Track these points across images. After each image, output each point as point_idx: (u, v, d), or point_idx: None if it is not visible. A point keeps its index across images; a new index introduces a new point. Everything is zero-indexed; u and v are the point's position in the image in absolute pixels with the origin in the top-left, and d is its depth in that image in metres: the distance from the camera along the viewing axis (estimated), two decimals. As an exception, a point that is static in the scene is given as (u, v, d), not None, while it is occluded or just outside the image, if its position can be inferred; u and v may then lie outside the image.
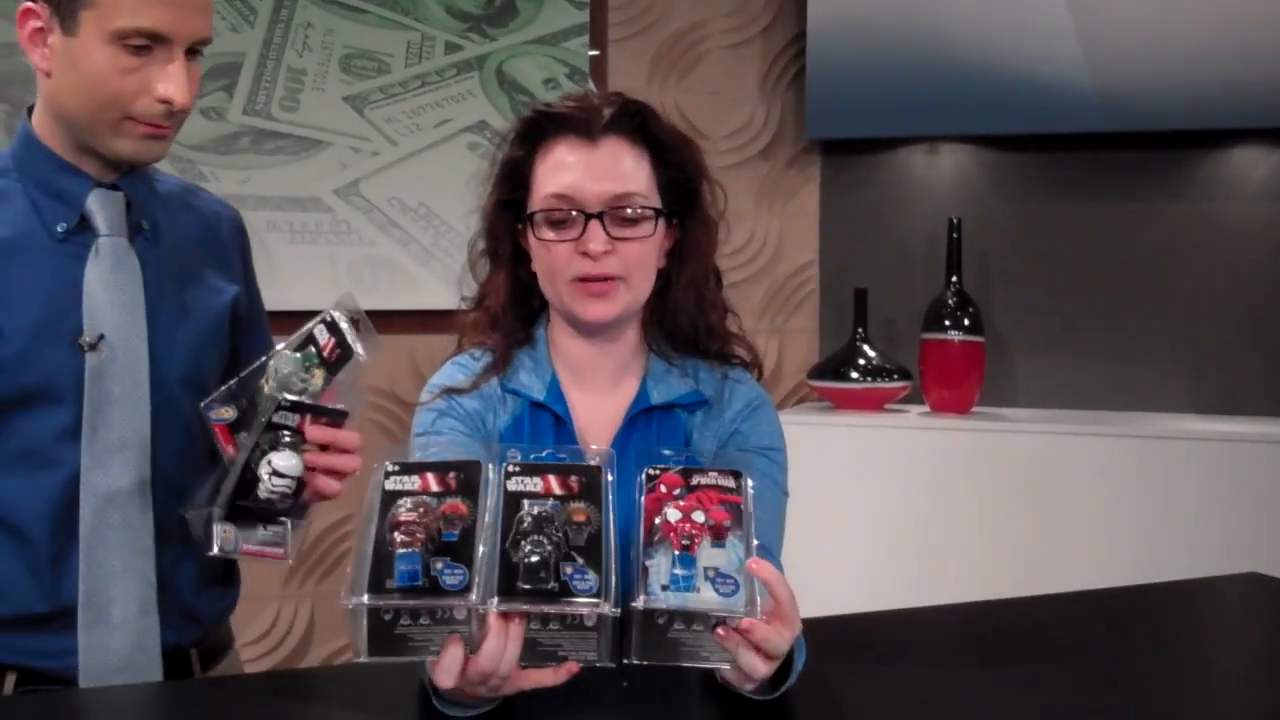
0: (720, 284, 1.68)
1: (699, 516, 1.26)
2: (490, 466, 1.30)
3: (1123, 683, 1.51)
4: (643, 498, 1.29)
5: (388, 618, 1.19)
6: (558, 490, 1.27)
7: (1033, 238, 3.50)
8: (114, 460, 1.55)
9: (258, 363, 1.50)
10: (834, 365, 3.46)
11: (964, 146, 3.55)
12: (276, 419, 1.44)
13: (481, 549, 1.22)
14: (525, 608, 1.20)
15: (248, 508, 1.45)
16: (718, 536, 1.25)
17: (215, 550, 1.47)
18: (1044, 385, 3.50)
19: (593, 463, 1.32)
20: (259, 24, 3.20)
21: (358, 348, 1.49)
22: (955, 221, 3.37)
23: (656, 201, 1.57)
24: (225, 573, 1.74)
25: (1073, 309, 3.46)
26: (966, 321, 3.32)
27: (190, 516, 1.50)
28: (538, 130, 1.59)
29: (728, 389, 1.63)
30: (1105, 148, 3.38)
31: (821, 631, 1.40)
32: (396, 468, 1.29)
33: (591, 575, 1.20)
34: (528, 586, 1.20)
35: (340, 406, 1.48)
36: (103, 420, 1.54)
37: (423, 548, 1.21)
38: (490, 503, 1.26)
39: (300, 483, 1.46)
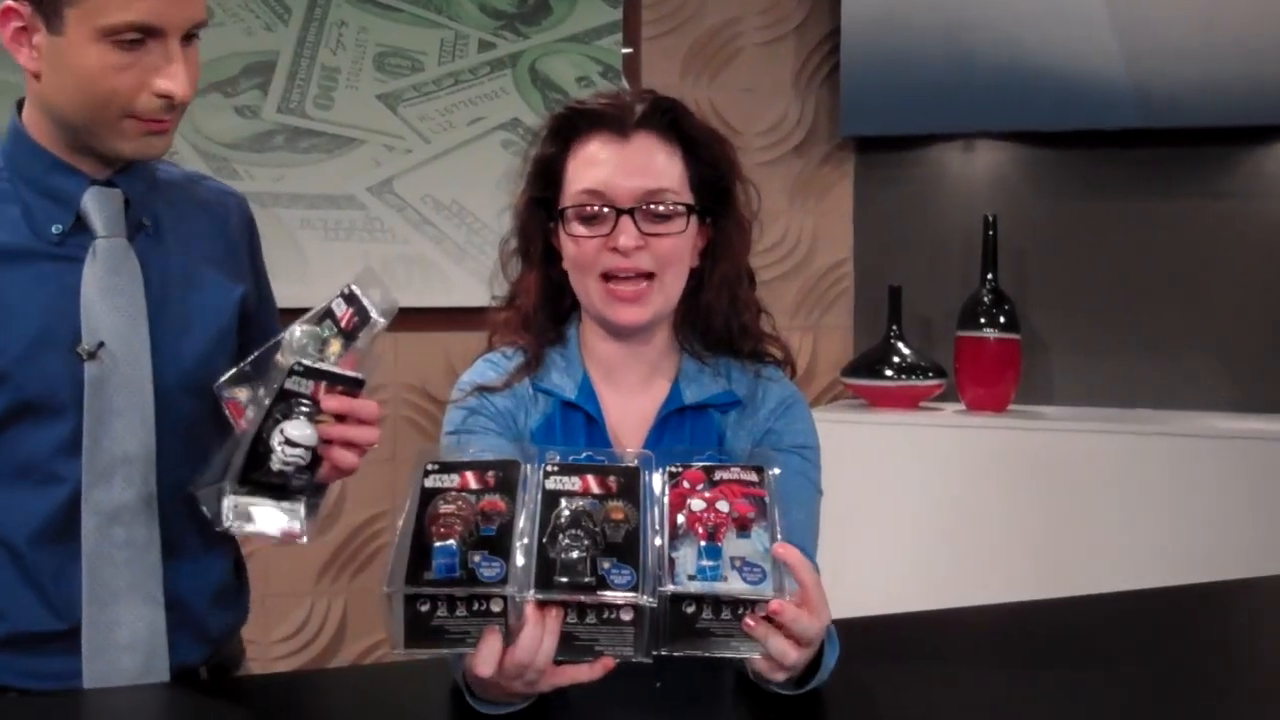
0: (753, 284, 1.67)
1: (723, 506, 1.26)
2: (528, 466, 1.30)
3: (1164, 687, 1.50)
4: (666, 494, 1.29)
5: (424, 609, 1.19)
6: (596, 489, 1.27)
7: (1069, 235, 3.47)
8: (117, 474, 1.48)
9: (273, 340, 1.43)
10: (868, 363, 3.44)
11: (999, 143, 3.53)
12: (289, 385, 1.37)
13: (519, 543, 1.22)
14: (562, 598, 1.20)
15: (261, 482, 1.37)
16: (743, 527, 1.25)
17: (226, 526, 1.38)
18: (1080, 383, 3.46)
19: (630, 464, 1.31)
20: (293, 23, 3.20)
21: (374, 313, 1.43)
22: (991, 219, 3.34)
23: (689, 198, 1.57)
24: (235, 586, 1.68)
25: (1110, 306, 3.43)
26: (1002, 319, 3.30)
27: (200, 494, 1.41)
28: (569, 127, 1.59)
29: (760, 388, 1.62)
30: (1142, 144, 3.35)
31: (854, 632, 1.40)
32: (436, 466, 1.29)
33: (629, 570, 1.20)
34: (565, 579, 1.20)
35: (357, 375, 1.41)
36: (104, 432, 1.47)
37: (460, 540, 1.21)
38: (528, 500, 1.26)
39: (315, 455, 1.38)
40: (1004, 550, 3.09)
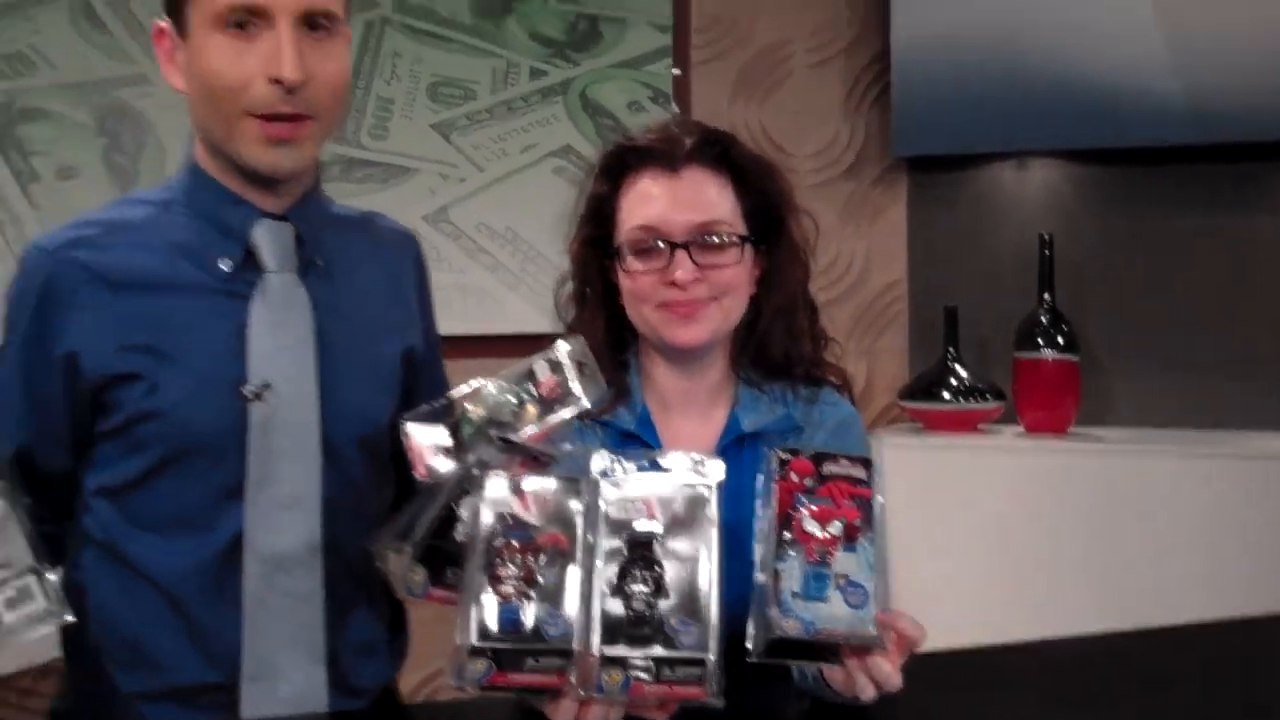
0: (815, 313, 1.68)
1: (835, 529, 1.25)
2: (587, 483, 1.27)
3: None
4: (775, 483, 1.27)
5: (490, 661, 1.18)
6: (659, 516, 1.24)
7: (1125, 252, 3.43)
8: (281, 519, 1.43)
9: (469, 387, 1.38)
10: (925, 385, 3.41)
11: (1053, 161, 3.50)
12: (484, 456, 1.32)
13: (581, 591, 1.21)
14: (628, 654, 1.19)
15: (442, 549, 1.31)
16: (849, 539, 1.25)
17: (403, 591, 1.33)
18: (1142, 404, 3.42)
19: (703, 481, 1.28)
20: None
21: (578, 389, 1.38)
22: (1047, 237, 3.31)
23: (742, 228, 1.58)
24: (391, 638, 1.62)
25: (1170, 325, 3.39)
26: (1060, 339, 3.26)
27: (377, 550, 1.35)
28: (620, 164, 1.61)
29: (817, 411, 1.63)
30: (1198, 160, 3.31)
31: (915, 665, 1.36)
32: (498, 481, 1.26)
33: (694, 627, 1.19)
34: (630, 640, 1.19)
35: (550, 451, 1.35)
36: (269, 476, 1.42)
37: (521, 596, 1.19)
38: (590, 533, 1.24)
39: None
40: (1066, 575, 3.04)
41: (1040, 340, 3.27)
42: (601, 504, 1.25)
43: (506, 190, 3.38)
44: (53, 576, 1.26)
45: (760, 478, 1.30)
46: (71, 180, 2.97)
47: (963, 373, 3.37)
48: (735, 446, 1.58)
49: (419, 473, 1.36)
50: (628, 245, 1.57)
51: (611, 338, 1.64)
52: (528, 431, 1.36)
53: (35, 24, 2.95)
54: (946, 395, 3.36)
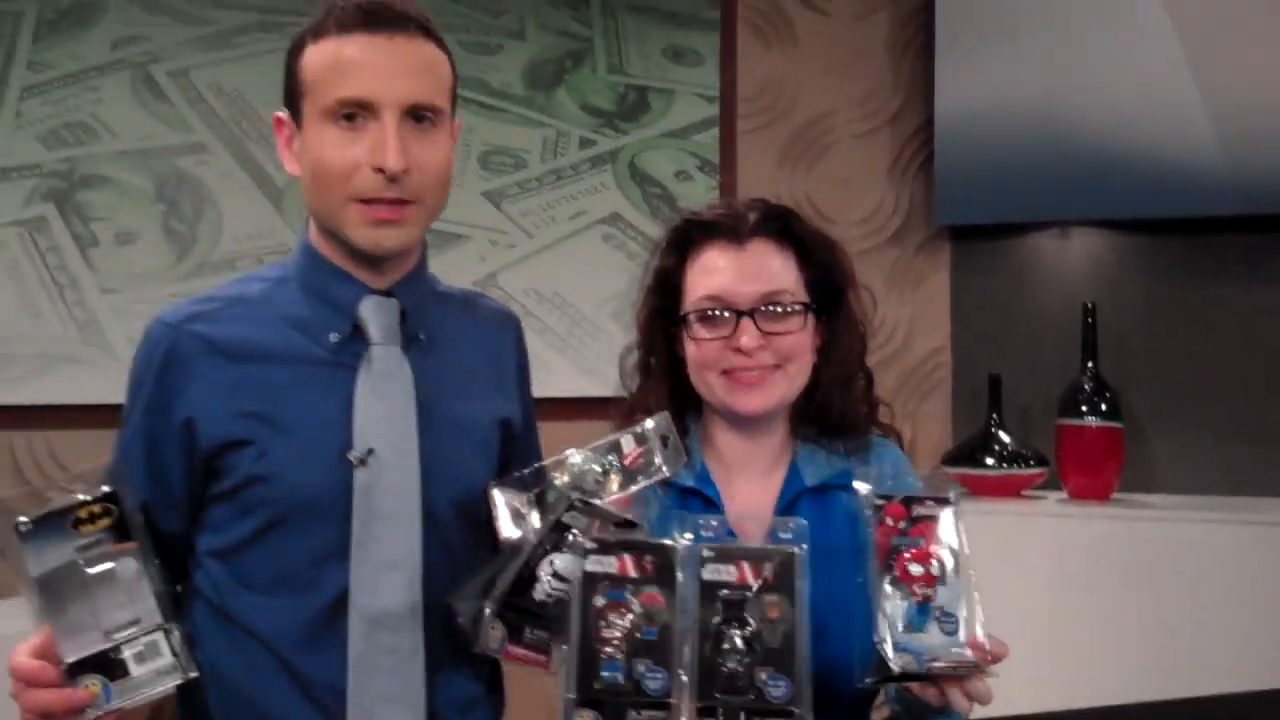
0: (870, 381, 1.73)
1: (935, 568, 1.36)
2: (683, 546, 1.34)
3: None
4: (873, 529, 1.37)
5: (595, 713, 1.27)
6: (751, 579, 1.32)
7: (1168, 321, 3.46)
8: (384, 580, 1.48)
9: (555, 457, 1.44)
10: (969, 451, 3.43)
11: (1095, 231, 3.53)
12: (566, 519, 1.37)
13: (677, 648, 1.29)
14: (721, 706, 1.27)
15: (521, 608, 1.37)
16: (942, 575, 1.36)
17: (480, 646, 1.39)
18: (1185, 471, 3.43)
19: (790, 546, 1.36)
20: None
21: (659, 460, 1.45)
22: (1090, 306, 3.34)
23: (804, 298, 1.63)
24: (488, 697, 1.65)
25: (1212, 393, 3.40)
26: (1104, 407, 3.28)
27: (459, 607, 1.41)
28: (686, 239, 1.66)
29: (874, 460, 1.67)
30: (1240, 230, 3.34)
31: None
32: (596, 545, 1.33)
33: (784, 682, 1.27)
34: (724, 692, 1.27)
35: (631, 517, 1.40)
36: (372, 538, 1.47)
37: (623, 654, 1.27)
38: (686, 593, 1.32)
39: None
40: (1108, 641, 3.04)
41: (1084, 407, 3.28)
42: (695, 566, 1.33)
43: (555, 256, 3.44)
44: (179, 634, 1.33)
45: (861, 524, 1.41)
46: (130, 245, 3.04)
47: (1006, 438, 3.40)
48: (798, 501, 1.63)
49: (501, 534, 1.43)
50: (694, 314, 1.62)
51: (674, 407, 1.68)
52: (610, 498, 1.42)
53: (98, 93, 3.04)
54: (990, 461, 3.38)
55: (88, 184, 3.02)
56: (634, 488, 1.43)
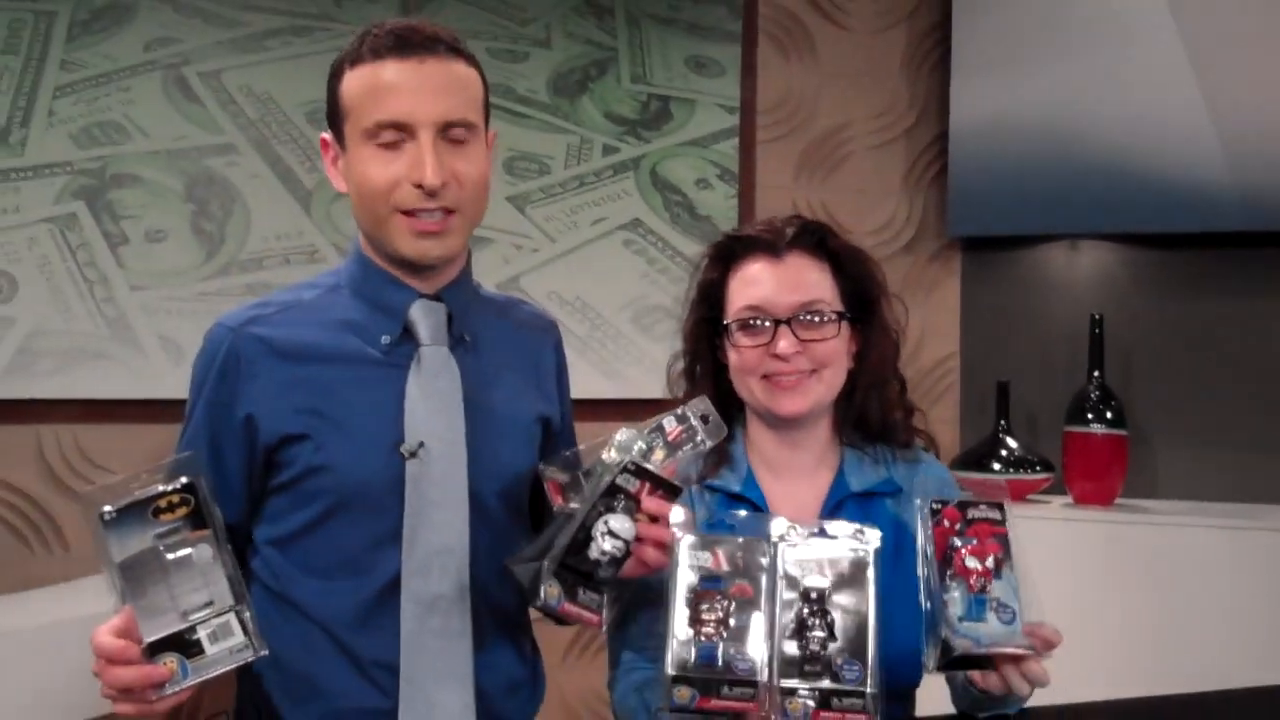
0: (904, 385, 1.82)
1: (990, 562, 1.47)
2: (770, 545, 1.46)
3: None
4: (933, 530, 1.49)
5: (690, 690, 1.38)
6: (829, 574, 1.44)
7: (1174, 333, 3.54)
8: (434, 565, 1.57)
9: (600, 439, 1.53)
10: (976, 456, 3.50)
11: (1104, 244, 3.61)
12: (620, 481, 1.47)
13: (765, 633, 1.40)
14: (801, 686, 1.39)
15: (574, 568, 1.46)
16: (997, 569, 1.47)
17: (540, 602, 1.47)
18: (1187, 478, 3.51)
19: (864, 547, 1.47)
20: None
21: (701, 434, 1.55)
22: (1098, 317, 3.42)
23: (840, 307, 1.72)
24: (531, 677, 1.74)
25: (1215, 403, 3.48)
26: (1109, 415, 3.36)
27: (516, 569, 1.50)
28: (729, 253, 1.77)
29: (920, 473, 1.77)
30: (1246, 246, 3.42)
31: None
32: (695, 540, 1.45)
33: (858, 665, 1.38)
34: (804, 675, 1.38)
35: (676, 482, 1.51)
36: (423, 525, 1.57)
37: (716, 636, 1.39)
38: (772, 586, 1.43)
39: (628, 549, 1.47)
40: (1109, 643, 3.11)
41: (1090, 415, 3.37)
42: (781, 563, 1.44)
43: (577, 261, 3.50)
44: (249, 614, 1.41)
45: (920, 526, 1.51)
46: (159, 243, 3.09)
47: (1013, 444, 3.47)
48: (842, 505, 1.72)
49: (556, 504, 1.53)
50: (736, 323, 1.72)
51: (718, 409, 1.77)
52: (658, 465, 1.52)
53: (130, 93, 3.09)
54: (997, 466, 3.45)
55: (119, 182, 3.06)
56: (677, 456, 1.55)
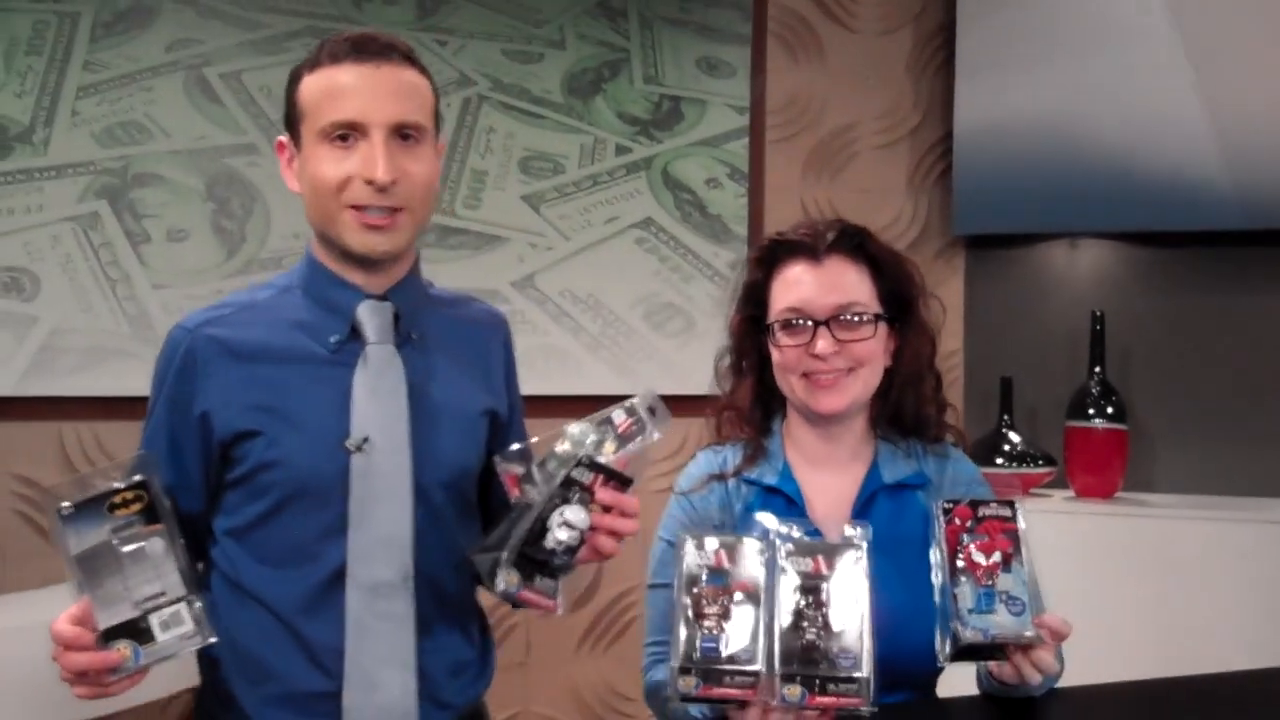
0: (939, 382, 1.89)
1: (995, 557, 1.54)
2: (769, 543, 1.53)
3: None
4: (944, 528, 1.56)
5: (693, 678, 1.46)
6: (825, 571, 1.51)
7: (1173, 330, 3.59)
8: (378, 553, 1.64)
9: (552, 431, 1.60)
10: (980, 450, 3.52)
11: (1105, 242, 3.67)
12: (574, 474, 1.55)
13: (765, 625, 1.48)
14: (800, 673, 1.46)
15: (530, 556, 1.54)
16: (1005, 564, 1.54)
17: (499, 590, 1.54)
18: (1186, 472, 3.57)
19: (856, 543, 1.55)
20: (445, 128, 3.39)
21: (650, 427, 1.61)
22: (1099, 314, 3.48)
23: (877, 309, 1.79)
24: (477, 660, 1.81)
25: (1214, 398, 3.54)
26: (1110, 410, 3.41)
27: (476, 558, 1.57)
28: (772, 256, 1.84)
29: (950, 467, 1.84)
30: (1244, 244, 3.47)
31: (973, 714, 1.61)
32: (699, 539, 1.53)
33: (852, 653, 1.46)
34: (802, 663, 1.46)
35: (627, 475, 1.58)
36: (368, 516, 1.63)
37: (719, 629, 1.47)
38: (771, 580, 1.51)
39: (582, 539, 1.55)
40: (1113, 633, 3.15)
41: (1091, 410, 3.43)
42: (780, 559, 1.52)
43: (590, 259, 3.55)
44: (199, 604, 1.49)
45: (934, 524, 1.59)
46: (181, 242, 3.13)
47: (1015, 439, 3.53)
48: (876, 496, 1.80)
49: (513, 496, 1.59)
50: (778, 323, 1.79)
51: (761, 404, 1.87)
52: (609, 459, 1.59)
53: (152, 94, 3.14)
54: (1000, 460, 3.51)
55: (140, 182, 3.11)
56: (628, 449, 1.60)
